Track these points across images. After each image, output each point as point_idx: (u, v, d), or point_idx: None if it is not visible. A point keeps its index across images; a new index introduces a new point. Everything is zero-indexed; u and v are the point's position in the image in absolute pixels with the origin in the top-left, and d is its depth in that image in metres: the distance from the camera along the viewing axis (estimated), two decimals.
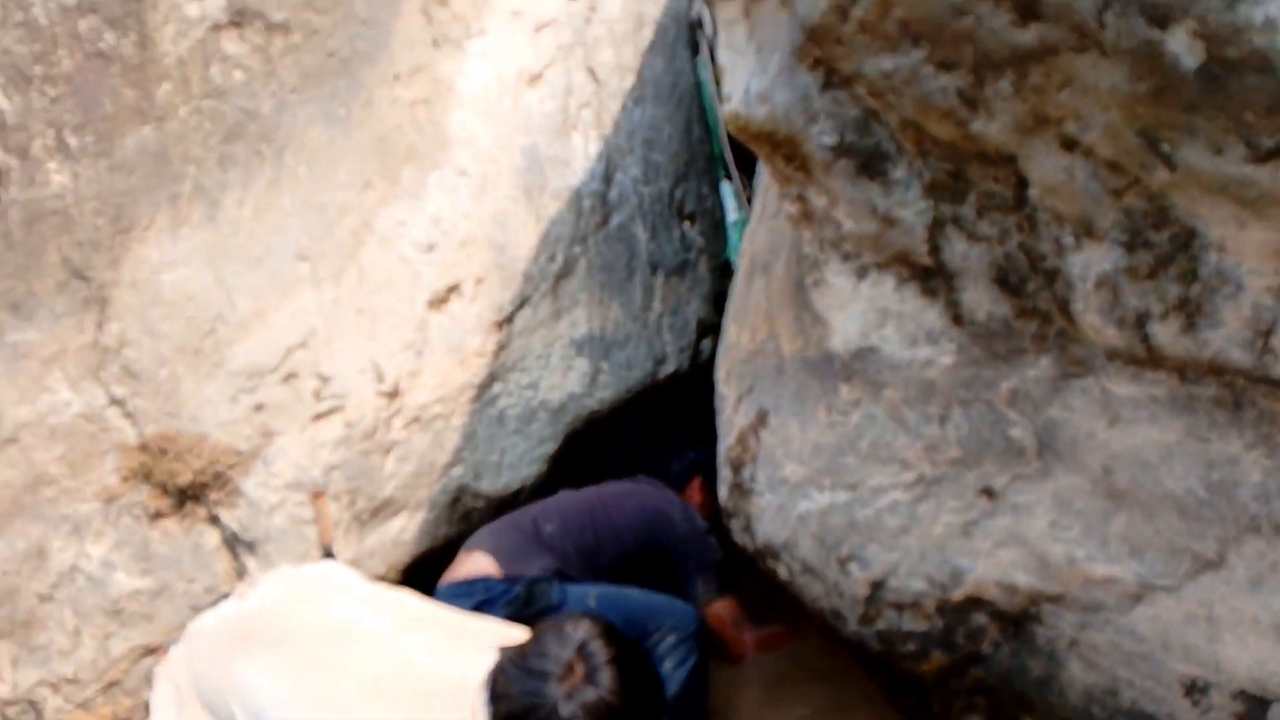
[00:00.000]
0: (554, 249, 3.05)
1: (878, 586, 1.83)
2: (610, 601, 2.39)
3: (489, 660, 1.70)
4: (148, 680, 1.90)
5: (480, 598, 2.38)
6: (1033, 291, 1.50)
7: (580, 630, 1.69)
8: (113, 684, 2.62)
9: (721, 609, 2.66)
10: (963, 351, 1.65)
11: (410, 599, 1.90)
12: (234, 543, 2.72)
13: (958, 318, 1.63)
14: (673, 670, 2.34)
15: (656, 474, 2.94)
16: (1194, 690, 1.50)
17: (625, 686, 1.66)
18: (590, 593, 2.42)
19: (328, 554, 2.38)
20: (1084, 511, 1.59)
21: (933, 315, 1.66)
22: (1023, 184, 1.40)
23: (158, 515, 2.70)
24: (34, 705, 2.59)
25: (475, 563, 2.52)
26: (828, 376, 1.89)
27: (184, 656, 1.85)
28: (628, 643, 1.74)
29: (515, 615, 2.31)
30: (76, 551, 2.65)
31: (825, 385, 1.90)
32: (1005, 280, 1.53)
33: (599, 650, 1.67)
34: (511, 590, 2.39)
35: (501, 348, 2.97)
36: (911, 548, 1.79)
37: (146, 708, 1.86)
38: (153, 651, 2.65)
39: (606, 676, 1.65)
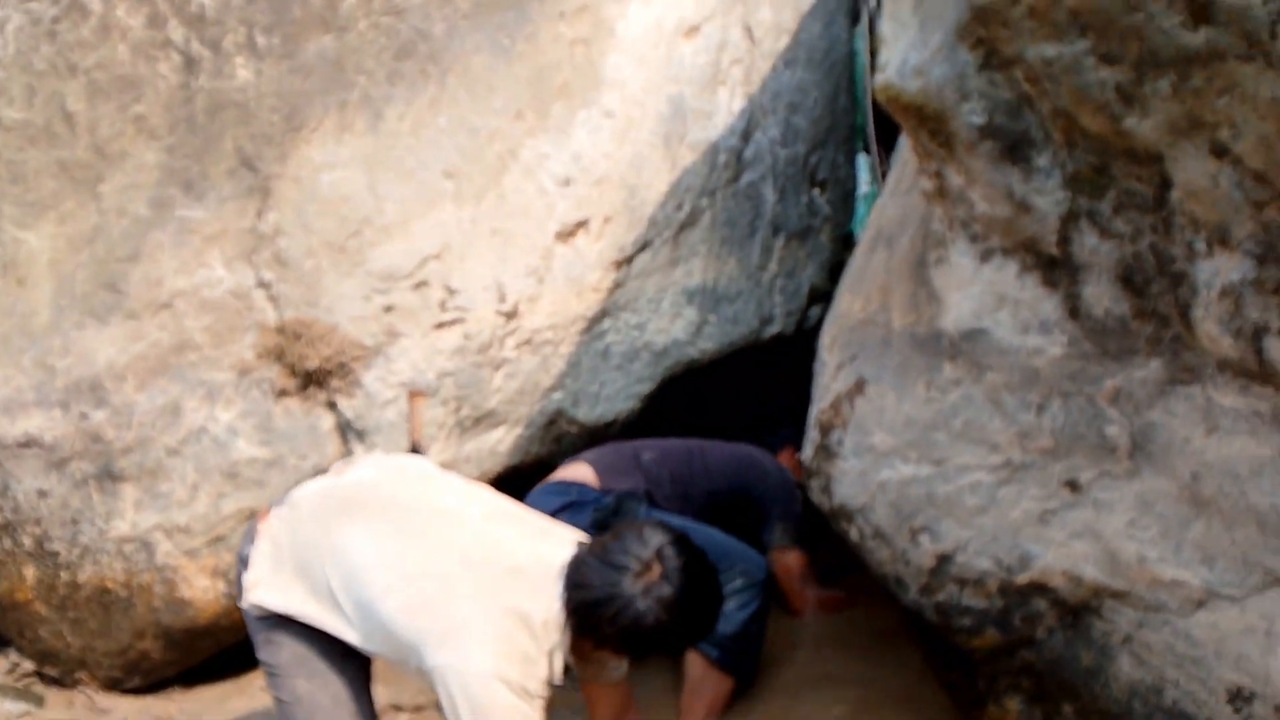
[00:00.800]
0: (682, 198, 3.16)
1: (944, 560, 1.90)
2: (691, 533, 2.51)
3: (570, 552, 1.82)
4: (246, 536, 2.05)
5: (574, 498, 2.54)
6: (1155, 293, 1.55)
7: (659, 535, 1.80)
8: (218, 539, 2.86)
9: (791, 559, 2.77)
10: (1074, 345, 1.71)
11: (497, 495, 2.02)
12: (347, 429, 2.92)
13: (1075, 311, 1.68)
14: (735, 611, 2.44)
15: (756, 442, 3.05)
16: (1238, 698, 1.54)
17: (697, 589, 1.77)
18: (672, 521, 2.54)
19: (414, 450, 2.52)
20: (1164, 515, 1.64)
21: (1050, 305, 1.72)
22: (1165, 185, 1.44)
23: (283, 393, 2.92)
24: (147, 546, 2.85)
25: (576, 470, 2.68)
26: (933, 353, 1.95)
27: (286, 519, 1.95)
28: (700, 552, 1.83)
29: (602, 523, 2.46)
30: (207, 415, 2.89)
31: (929, 361, 1.97)
32: (1130, 279, 1.57)
33: (675, 554, 1.77)
34: (603, 499, 2.54)
35: (617, 286, 3.10)
36: (985, 527, 1.85)
37: (242, 560, 1.98)
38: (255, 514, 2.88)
39: (681, 578, 1.75)
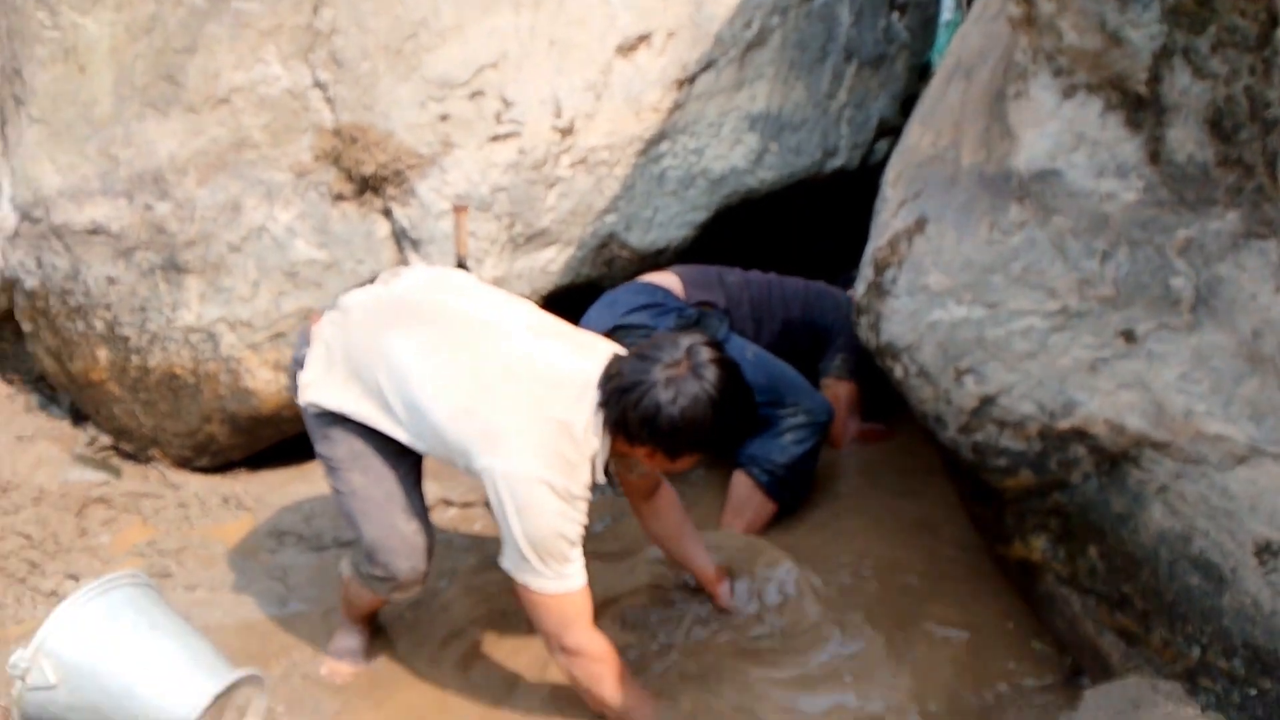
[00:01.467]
0: (752, 15, 3.00)
1: (987, 401, 1.91)
2: (765, 363, 2.57)
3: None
4: (299, 337, 2.11)
5: (660, 300, 2.59)
6: (1243, 141, 1.47)
7: (694, 338, 1.84)
8: (279, 335, 2.97)
9: (842, 390, 2.84)
10: (1150, 191, 1.64)
11: (542, 311, 2.06)
12: (401, 237, 2.95)
13: (1155, 155, 1.61)
14: (791, 445, 2.52)
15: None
16: (1265, 552, 1.57)
17: (723, 391, 1.79)
18: (750, 348, 2.60)
19: (460, 265, 2.53)
20: (1218, 370, 1.62)
21: (1130, 148, 1.64)
22: (1272, 22, 1.34)
23: (340, 197, 2.95)
24: (212, 337, 2.97)
25: (664, 277, 2.73)
26: (1001, 193, 1.90)
27: (338, 324, 2.01)
28: (735, 364, 1.86)
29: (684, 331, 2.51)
30: (266, 214, 2.94)
31: (995, 202, 1.91)
32: (1218, 124, 1.49)
33: (707, 355, 1.81)
34: (686, 310, 2.58)
35: (677, 107, 3.01)
36: (1032, 372, 1.85)
37: (297, 362, 2.06)
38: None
39: (710, 374, 1.79)
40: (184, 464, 3.16)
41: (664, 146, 3.03)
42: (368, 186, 2.93)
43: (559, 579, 1.82)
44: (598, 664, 1.91)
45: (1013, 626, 2.12)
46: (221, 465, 3.16)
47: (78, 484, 2.98)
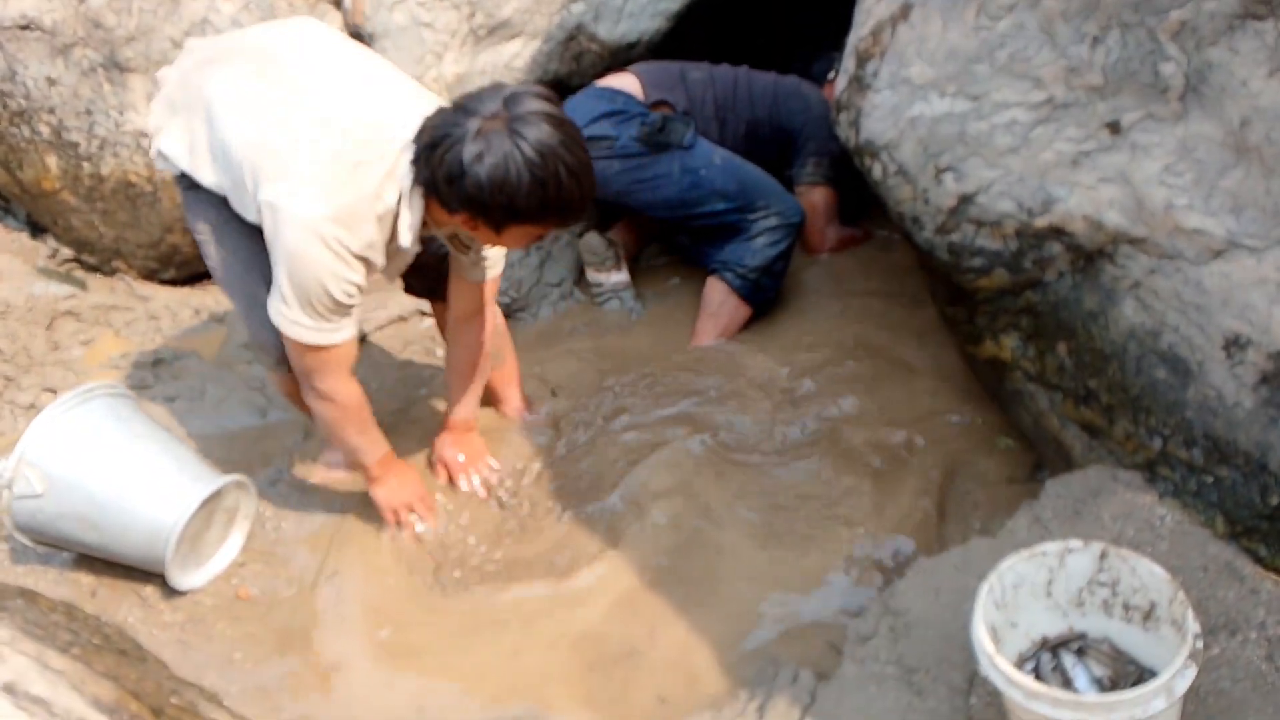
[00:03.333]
0: None
1: (966, 200, 1.87)
2: (734, 167, 2.49)
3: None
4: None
5: (620, 107, 2.48)
6: None
7: (521, 87, 1.63)
8: None
9: (818, 196, 2.76)
10: None
11: (393, 68, 1.88)
12: (357, 34, 2.77)
13: None
14: (764, 247, 2.49)
15: (797, 71, 2.90)
16: (1233, 345, 1.59)
17: (542, 149, 1.57)
18: (718, 152, 2.51)
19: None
20: (1203, 161, 1.58)
21: None
22: None
23: None
24: None
25: (623, 79, 2.60)
26: None
27: (177, 65, 1.92)
28: (563, 119, 1.62)
29: (645, 139, 2.42)
30: (208, 4, 2.74)
31: None
32: None
33: (529, 108, 1.58)
34: (649, 116, 2.47)
35: None
36: (1013, 169, 1.80)
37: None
38: None
39: (530, 131, 1.57)
40: (150, 276, 3.10)
41: None
42: None
43: (316, 332, 1.77)
44: (341, 410, 1.93)
45: (980, 423, 2.18)
46: (188, 277, 3.11)
47: (44, 297, 2.92)
